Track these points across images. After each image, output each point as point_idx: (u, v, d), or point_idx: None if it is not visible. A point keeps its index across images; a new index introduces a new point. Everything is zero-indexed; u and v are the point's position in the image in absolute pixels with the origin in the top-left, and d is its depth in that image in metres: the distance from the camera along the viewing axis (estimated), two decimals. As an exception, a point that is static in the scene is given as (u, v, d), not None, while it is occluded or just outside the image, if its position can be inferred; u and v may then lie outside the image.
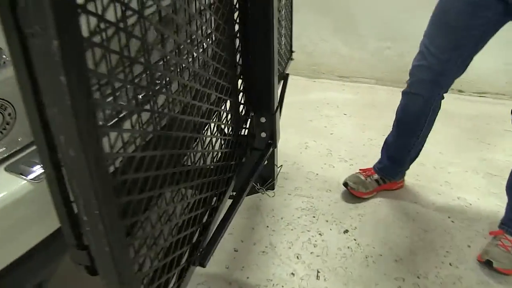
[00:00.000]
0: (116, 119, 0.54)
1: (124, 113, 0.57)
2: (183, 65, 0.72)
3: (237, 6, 1.03)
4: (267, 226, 1.69)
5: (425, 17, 1.46)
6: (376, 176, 1.80)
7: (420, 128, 1.62)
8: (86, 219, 0.47)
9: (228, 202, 1.05)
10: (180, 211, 0.75)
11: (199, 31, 0.77)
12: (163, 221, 0.67)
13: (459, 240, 1.61)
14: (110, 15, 0.44)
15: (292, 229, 1.67)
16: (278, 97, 1.52)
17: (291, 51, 1.79)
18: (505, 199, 1.55)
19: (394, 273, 1.47)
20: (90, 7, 0.40)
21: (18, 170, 0.64)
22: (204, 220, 0.90)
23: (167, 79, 0.67)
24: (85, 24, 0.39)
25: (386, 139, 1.77)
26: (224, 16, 0.91)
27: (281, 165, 1.37)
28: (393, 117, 1.70)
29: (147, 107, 0.58)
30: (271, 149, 1.20)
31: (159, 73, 0.63)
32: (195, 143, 0.83)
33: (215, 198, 0.96)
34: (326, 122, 2.42)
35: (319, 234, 1.64)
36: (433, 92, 1.51)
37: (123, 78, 0.49)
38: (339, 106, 2.56)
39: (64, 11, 0.35)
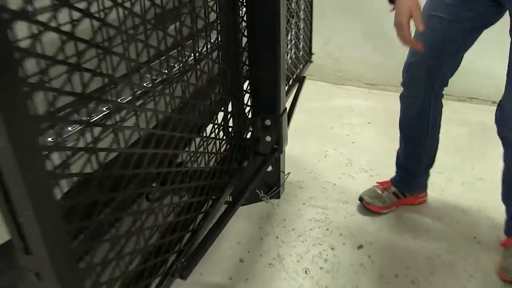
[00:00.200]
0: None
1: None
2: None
3: (244, 2, 0.96)
4: (277, 237, 1.60)
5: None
6: (393, 189, 1.68)
7: (425, 133, 1.52)
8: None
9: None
10: (155, 219, 0.68)
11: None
12: (129, 234, 0.60)
13: (485, 264, 1.47)
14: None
15: (302, 241, 1.57)
16: (291, 100, 1.44)
17: (310, 54, 1.71)
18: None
19: (409, 296, 1.35)
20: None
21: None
22: (192, 227, 0.83)
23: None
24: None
25: (397, 150, 1.68)
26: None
27: (289, 173, 1.28)
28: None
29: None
30: (276, 155, 1.11)
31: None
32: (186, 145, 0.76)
33: (208, 204, 0.89)
34: (349, 130, 2.31)
35: (331, 248, 1.54)
36: (426, 90, 1.44)
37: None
38: (363, 114, 2.45)
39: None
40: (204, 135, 0.90)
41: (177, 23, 0.70)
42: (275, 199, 1.19)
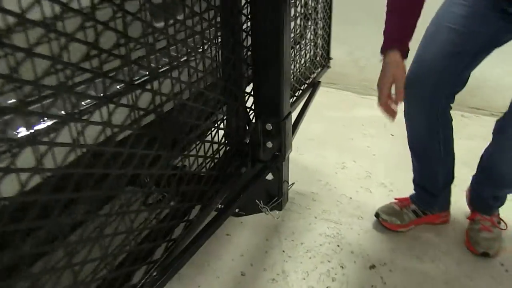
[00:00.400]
0: None
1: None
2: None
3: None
4: (283, 251, 1.50)
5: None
6: (413, 206, 1.56)
7: (437, 151, 1.41)
8: None
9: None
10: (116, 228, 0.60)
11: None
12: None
13: (511, 294, 1.33)
14: None
15: (310, 257, 1.47)
16: (302, 103, 1.35)
17: (328, 58, 1.61)
18: None
19: (423, 325, 1.22)
20: None
21: None
22: (170, 236, 0.75)
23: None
24: None
25: (412, 168, 1.56)
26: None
27: (293, 183, 1.19)
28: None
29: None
30: (278, 163, 1.03)
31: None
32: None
33: (189, 214, 0.81)
34: (370, 142, 2.19)
35: (341, 266, 1.43)
36: (432, 105, 1.32)
37: None
38: (386, 126, 2.32)
39: None
40: (197, 137, 0.83)
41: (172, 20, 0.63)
42: (276, 211, 1.10)
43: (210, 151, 0.90)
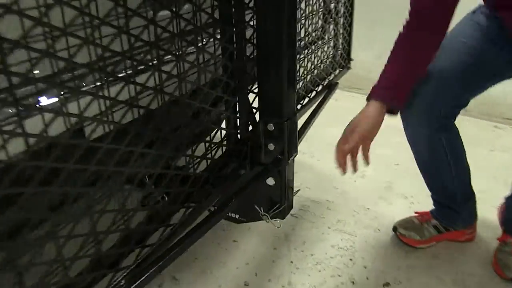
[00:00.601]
0: None
1: None
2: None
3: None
4: (291, 262, 1.41)
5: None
6: (434, 221, 1.44)
7: (447, 169, 1.29)
8: None
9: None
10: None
11: None
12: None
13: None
14: None
15: (320, 270, 1.38)
16: (314, 104, 1.26)
17: (349, 59, 1.52)
18: None
19: None
20: None
21: None
22: (145, 242, 0.68)
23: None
24: None
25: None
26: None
27: (298, 190, 1.10)
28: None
29: None
30: (280, 166, 0.94)
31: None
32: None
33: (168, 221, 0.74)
34: (393, 151, 2.06)
35: (352, 282, 1.33)
36: (429, 122, 1.21)
37: None
38: (413, 134, 2.19)
39: None
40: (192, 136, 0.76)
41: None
42: (278, 219, 1.02)
43: (204, 150, 0.83)
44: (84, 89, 0.67)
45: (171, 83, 0.67)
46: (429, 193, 1.48)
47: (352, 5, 1.42)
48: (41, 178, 0.46)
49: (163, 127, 0.69)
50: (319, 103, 1.25)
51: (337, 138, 1.12)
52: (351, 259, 1.42)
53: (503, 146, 2.10)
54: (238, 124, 0.90)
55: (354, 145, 1.09)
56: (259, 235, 1.53)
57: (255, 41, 0.84)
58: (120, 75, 0.64)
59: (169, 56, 0.69)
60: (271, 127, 0.91)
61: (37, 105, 0.60)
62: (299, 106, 1.19)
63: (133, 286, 0.62)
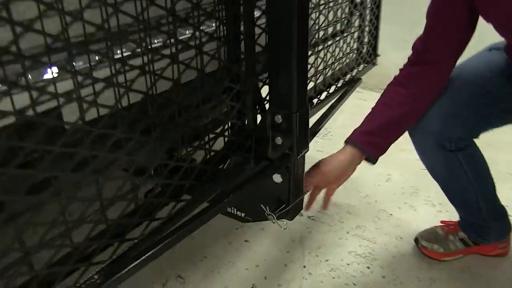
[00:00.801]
0: None
1: None
2: None
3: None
4: (304, 266, 1.33)
5: None
6: (461, 234, 1.32)
7: (467, 181, 1.18)
8: None
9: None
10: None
11: None
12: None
13: None
14: None
15: (334, 278, 1.29)
16: (331, 96, 1.18)
17: (375, 55, 1.43)
18: None
19: None
20: None
21: None
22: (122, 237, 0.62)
23: None
24: None
25: None
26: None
27: (310, 190, 1.02)
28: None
29: None
30: (288, 163, 0.87)
31: None
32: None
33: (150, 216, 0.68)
34: (423, 155, 1.95)
35: (367, 292, 1.24)
36: (444, 147, 1.12)
37: None
38: (445, 139, 2.07)
39: None
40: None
41: None
42: (285, 221, 0.95)
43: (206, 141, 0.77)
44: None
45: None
46: (458, 201, 1.37)
47: (379, 4, 1.33)
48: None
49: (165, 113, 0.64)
50: (338, 98, 1.16)
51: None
52: (368, 268, 1.32)
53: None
54: (242, 114, 0.83)
55: (314, 186, 1.05)
56: (272, 236, 1.45)
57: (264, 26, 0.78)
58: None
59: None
60: (279, 119, 0.84)
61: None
62: (315, 100, 1.11)
63: (108, 281, 0.56)
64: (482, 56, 1.16)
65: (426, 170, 1.30)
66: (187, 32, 0.83)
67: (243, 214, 1.01)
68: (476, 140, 1.17)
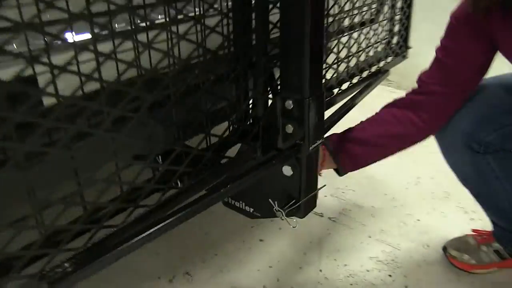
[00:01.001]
0: None
1: None
2: None
3: None
4: (320, 270, 1.24)
5: None
6: (496, 245, 1.19)
7: (499, 185, 1.06)
8: None
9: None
10: None
11: None
12: None
13: None
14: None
15: (352, 284, 1.20)
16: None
17: (406, 47, 1.32)
18: None
19: None
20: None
21: None
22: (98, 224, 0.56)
23: None
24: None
25: None
26: None
27: (324, 185, 0.93)
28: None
29: None
30: (299, 154, 0.79)
31: None
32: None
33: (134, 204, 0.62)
34: (457, 158, 1.82)
35: (387, 302, 1.14)
36: (472, 149, 1.02)
37: None
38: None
39: None
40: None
41: None
42: (294, 217, 0.87)
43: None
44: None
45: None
46: (493, 208, 1.24)
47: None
48: None
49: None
50: (362, 89, 1.07)
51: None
52: (390, 276, 1.22)
53: None
54: (248, 96, 0.76)
55: None
56: (289, 237, 1.37)
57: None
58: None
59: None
60: (289, 104, 0.76)
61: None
62: (336, 90, 1.03)
63: (80, 271, 0.50)
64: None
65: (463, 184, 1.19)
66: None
67: (251, 210, 0.94)
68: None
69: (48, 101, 0.56)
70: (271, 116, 0.79)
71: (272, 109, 0.78)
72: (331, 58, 1.00)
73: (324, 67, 0.96)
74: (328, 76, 1.02)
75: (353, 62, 1.08)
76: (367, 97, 1.14)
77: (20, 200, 0.48)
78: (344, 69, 1.03)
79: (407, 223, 1.44)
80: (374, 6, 1.16)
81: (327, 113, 0.97)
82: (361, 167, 1.05)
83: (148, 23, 0.54)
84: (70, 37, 0.49)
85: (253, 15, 0.72)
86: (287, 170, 0.82)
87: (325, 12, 0.89)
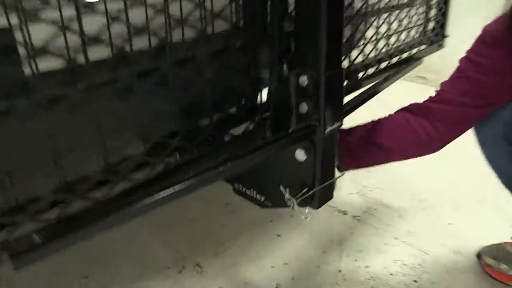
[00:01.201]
0: None
1: None
2: None
3: None
4: (340, 271, 1.16)
5: None
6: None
7: None
8: None
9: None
10: None
11: None
12: None
13: None
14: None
15: (372, 287, 1.11)
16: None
17: (442, 35, 1.22)
18: None
19: None
20: None
21: None
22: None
23: None
24: None
25: None
26: None
27: (342, 174, 0.85)
28: None
29: None
30: (313, 136, 0.72)
31: None
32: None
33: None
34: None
35: (411, 309, 1.04)
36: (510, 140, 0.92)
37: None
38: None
39: None
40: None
41: None
42: (307, 208, 0.79)
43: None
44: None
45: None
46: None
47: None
48: None
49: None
50: (389, 75, 0.98)
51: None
52: (415, 281, 1.12)
53: None
54: (258, 68, 0.70)
55: None
56: (309, 234, 1.29)
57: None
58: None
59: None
60: (304, 81, 0.69)
61: None
62: (361, 74, 0.94)
63: (49, 244, 0.45)
64: None
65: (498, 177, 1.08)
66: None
67: (263, 198, 0.87)
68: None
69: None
70: (283, 93, 0.72)
71: (285, 86, 0.71)
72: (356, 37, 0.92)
73: (348, 46, 0.88)
74: (352, 61, 0.94)
75: (381, 45, 0.99)
76: (397, 93, 1.06)
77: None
78: (370, 50, 0.95)
79: (437, 226, 1.33)
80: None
81: (348, 98, 0.89)
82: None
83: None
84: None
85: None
86: (300, 154, 0.75)
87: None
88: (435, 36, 1.19)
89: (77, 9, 0.42)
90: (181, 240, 1.25)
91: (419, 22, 1.14)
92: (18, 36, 0.42)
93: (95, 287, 1.07)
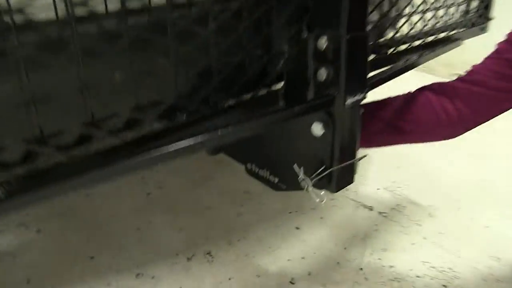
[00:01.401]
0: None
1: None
2: None
3: None
4: (361, 269, 1.07)
5: None
6: None
7: None
8: None
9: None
10: None
11: None
12: None
13: None
14: None
15: (396, 288, 1.01)
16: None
17: (486, 18, 1.11)
18: None
19: None
20: None
21: None
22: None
23: None
24: None
25: None
26: None
27: (365, 155, 0.76)
28: None
29: None
30: (332, 107, 0.64)
31: None
32: None
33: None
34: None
35: (438, 315, 0.94)
36: None
37: None
38: None
39: None
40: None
41: None
42: (323, 192, 0.71)
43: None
44: None
45: None
46: None
47: None
48: None
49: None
50: (423, 53, 0.89)
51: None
52: (444, 286, 1.02)
53: None
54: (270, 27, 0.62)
55: None
56: (330, 228, 1.21)
57: None
58: None
59: None
60: (323, 44, 0.61)
61: None
62: (391, 50, 0.85)
63: (12, 199, 0.39)
64: None
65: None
66: None
67: (276, 180, 0.80)
68: None
69: None
70: (300, 58, 0.64)
71: (302, 50, 0.63)
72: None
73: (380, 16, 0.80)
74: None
75: (415, 20, 0.90)
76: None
77: None
78: (402, 24, 0.86)
79: (472, 228, 1.21)
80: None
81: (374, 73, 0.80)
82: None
83: None
84: None
85: None
86: (317, 129, 0.67)
87: None
88: (479, 17, 1.09)
89: None
90: (195, 227, 1.19)
91: (460, 0, 1.03)
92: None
93: (99, 268, 1.03)
